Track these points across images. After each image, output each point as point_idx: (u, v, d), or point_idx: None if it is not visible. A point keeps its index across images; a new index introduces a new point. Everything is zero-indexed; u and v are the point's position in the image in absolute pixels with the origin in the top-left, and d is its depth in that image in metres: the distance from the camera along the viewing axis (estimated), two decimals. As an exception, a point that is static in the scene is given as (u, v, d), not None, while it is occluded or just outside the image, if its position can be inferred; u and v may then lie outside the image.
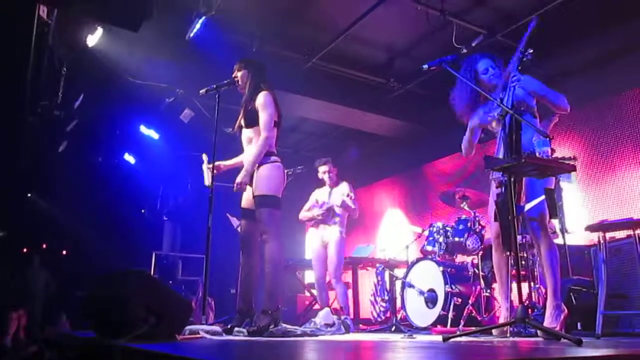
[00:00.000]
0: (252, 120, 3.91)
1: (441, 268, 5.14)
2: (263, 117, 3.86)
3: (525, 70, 3.48)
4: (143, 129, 7.92)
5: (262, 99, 3.90)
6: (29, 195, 9.39)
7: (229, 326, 3.62)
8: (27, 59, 4.35)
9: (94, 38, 5.68)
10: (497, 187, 3.17)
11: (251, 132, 3.93)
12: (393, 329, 5.24)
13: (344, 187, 5.48)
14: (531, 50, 3.33)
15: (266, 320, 3.58)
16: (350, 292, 6.89)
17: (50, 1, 4.49)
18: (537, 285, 4.53)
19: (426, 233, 5.76)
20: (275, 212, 3.77)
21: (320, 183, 5.69)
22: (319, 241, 5.47)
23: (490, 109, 3.58)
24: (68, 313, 7.70)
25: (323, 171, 5.58)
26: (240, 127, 4.07)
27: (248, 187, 3.96)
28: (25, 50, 4.28)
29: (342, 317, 4.94)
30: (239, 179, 3.75)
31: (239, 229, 4.14)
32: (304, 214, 5.64)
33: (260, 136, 3.83)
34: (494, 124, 3.58)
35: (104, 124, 7.80)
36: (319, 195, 5.65)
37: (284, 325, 3.68)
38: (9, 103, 4.94)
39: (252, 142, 3.92)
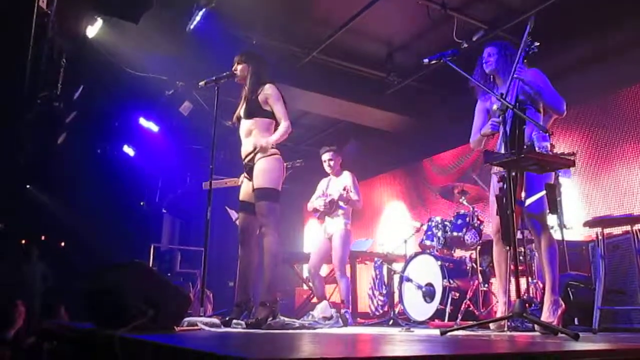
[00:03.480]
0: (252, 112, 3.91)
1: (439, 262, 5.16)
2: (278, 108, 3.91)
3: (534, 64, 3.47)
4: (142, 121, 7.90)
5: (270, 91, 3.92)
6: (28, 187, 9.39)
7: (227, 318, 3.63)
8: (27, 50, 4.34)
9: (94, 29, 5.65)
10: (498, 182, 3.18)
11: (251, 123, 3.92)
12: (391, 322, 5.25)
13: (346, 178, 5.44)
14: (537, 43, 3.32)
15: (264, 312, 3.59)
16: (348, 286, 6.90)
17: (50, -9, 4.47)
18: (534, 280, 4.54)
19: (425, 227, 5.77)
20: (274, 205, 3.77)
21: (326, 172, 5.66)
22: (322, 233, 5.42)
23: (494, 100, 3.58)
24: (66, 305, 7.70)
25: (324, 159, 5.55)
26: (239, 119, 4.06)
27: (245, 179, 3.96)
28: (25, 41, 4.27)
29: (342, 311, 4.94)
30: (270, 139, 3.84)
31: (237, 222, 4.14)
32: (309, 205, 5.61)
33: (283, 123, 3.89)
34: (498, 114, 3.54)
35: (104, 115, 7.79)
36: (323, 184, 5.62)
37: (282, 317, 3.69)
38: (8, 94, 4.93)
39: (251, 134, 3.91)
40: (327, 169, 5.55)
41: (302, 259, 7.00)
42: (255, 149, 3.86)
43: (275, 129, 3.99)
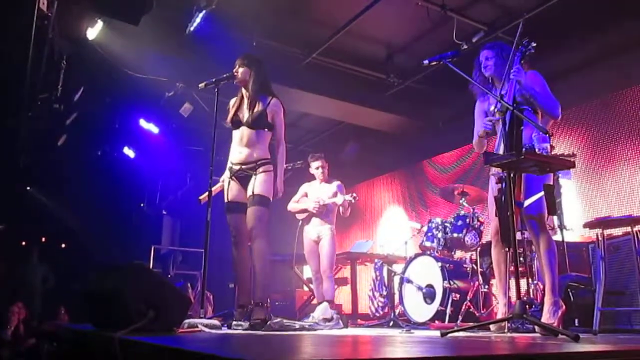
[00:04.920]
0: (260, 123, 3.97)
1: (439, 264, 5.15)
2: (279, 128, 4.08)
3: (533, 65, 3.46)
4: (143, 122, 7.91)
5: (277, 108, 4.05)
6: (28, 188, 9.40)
7: (227, 320, 3.64)
8: (27, 52, 4.34)
9: (94, 31, 5.67)
10: (497, 183, 3.17)
11: (255, 133, 3.95)
12: (391, 324, 5.25)
13: (334, 185, 5.50)
14: (534, 44, 3.31)
15: (262, 313, 3.62)
16: (348, 288, 6.91)
17: (50, -7, 4.47)
18: (535, 281, 4.54)
19: (425, 229, 5.77)
20: (267, 211, 3.90)
21: (312, 177, 5.68)
22: (312, 236, 5.46)
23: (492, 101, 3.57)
24: (66, 306, 7.72)
25: (316, 167, 5.56)
26: (236, 122, 4.03)
27: (232, 182, 3.98)
28: (25, 43, 4.28)
29: (333, 312, 4.95)
30: (279, 187, 4.02)
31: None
32: (294, 206, 5.63)
33: (281, 147, 4.09)
34: (497, 115, 3.53)
35: (104, 117, 7.80)
36: (310, 189, 5.63)
37: (282, 319, 3.70)
38: (8, 96, 4.93)
39: (254, 144, 3.95)
40: (319, 176, 5.57)
41: (301, 260, 7.00)
42: (258, 160, 3.91)
43: (271, 143, 4.06)
